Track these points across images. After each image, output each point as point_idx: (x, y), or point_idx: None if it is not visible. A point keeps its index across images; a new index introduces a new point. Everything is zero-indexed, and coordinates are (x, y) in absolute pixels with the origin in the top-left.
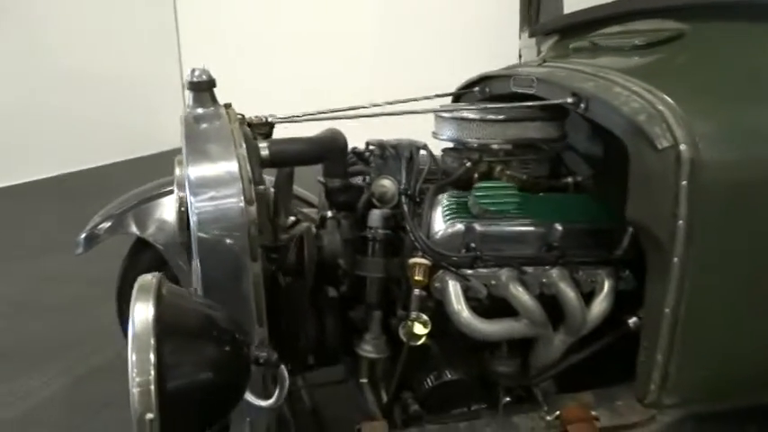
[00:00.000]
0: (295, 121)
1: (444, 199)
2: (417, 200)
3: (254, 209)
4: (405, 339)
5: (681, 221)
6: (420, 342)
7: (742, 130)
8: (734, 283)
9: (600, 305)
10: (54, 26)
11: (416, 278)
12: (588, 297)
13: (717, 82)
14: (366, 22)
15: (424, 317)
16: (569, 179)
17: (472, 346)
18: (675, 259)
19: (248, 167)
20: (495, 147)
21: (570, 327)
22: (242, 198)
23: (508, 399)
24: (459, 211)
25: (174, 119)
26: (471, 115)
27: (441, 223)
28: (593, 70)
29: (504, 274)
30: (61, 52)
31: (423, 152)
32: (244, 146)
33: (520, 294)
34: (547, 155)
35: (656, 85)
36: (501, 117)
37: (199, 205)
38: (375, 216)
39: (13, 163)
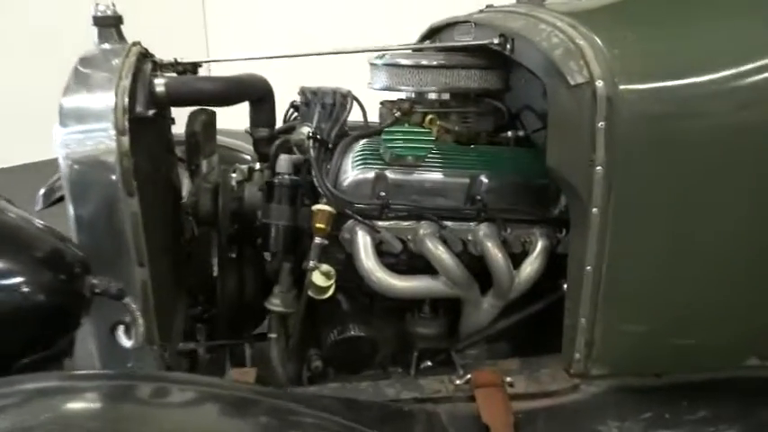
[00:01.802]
0: (218, 61)
1: (358, 146)
2: (330, 146)
3: (126, 140)
4: (307, 291)
5: (599, 167)
6: (326, 296)
7: (668, 64)
8: (660, 238)
9: (530, 266)
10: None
11: (317, 225)
12: (521, 258)
13: (648, 15)
14: None
15: (326, 267)
16: (509, 133)
17: (397, 306)
18: (594, 210)
19: (126, 99)
20: (431, 96)
21: (497, 289)
22: (114, 129)
23: (429, 363)
24: (371, 157)
25: None
26: (403, 61)
27: (350, 170)
28: (527, 10)
29: (422, 228)
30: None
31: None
32: (129, 78)
33: (437, 250)
34: (489, 107)
35: (583, 20)
36: (434, 63)
37: (68, 137)
38: (282, 161)
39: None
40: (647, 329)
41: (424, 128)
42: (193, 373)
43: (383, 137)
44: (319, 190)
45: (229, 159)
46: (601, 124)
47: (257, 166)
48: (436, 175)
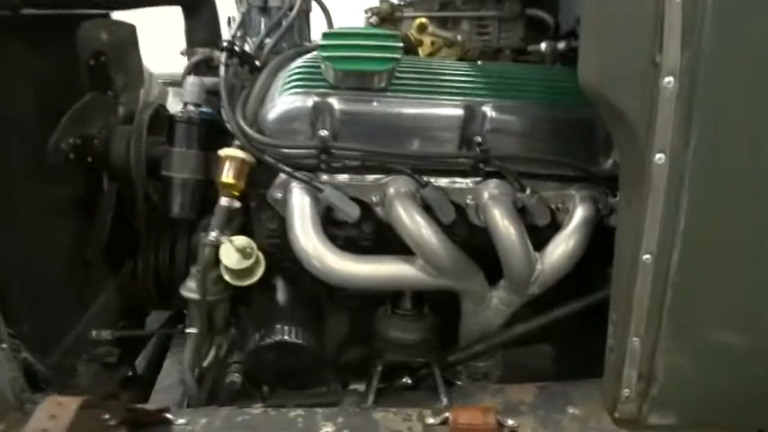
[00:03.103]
0: None
1: (295, 63)
2: (258, 63)
3: None
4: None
5: (668, 78)
6: (249, 281)
7: None
8: None
9: (562, 246)
10: None
11: (223, 179)
12: (550, 233)
13: None
14: None
15: (243, 241)
16: (542, 45)
17: (365, 296)
18: (658, 156)
19: None
20: None
21: (510, 280)
22: None
23: (407, 380)
24: (310, 79)
25: None
26: None
27: (277, 96)
28: None
29: (393, 185)
30: None
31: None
32: None
33: (412, 221)
34: (516, 10)
35: None
36: None
37: None
38: (189, 86)
39: None
40: (743, 357)
41: (403, 35)
42: (129, 362)
43: (321, 42)
44: (228, 126)
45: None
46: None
47: None
48: (412, 105)
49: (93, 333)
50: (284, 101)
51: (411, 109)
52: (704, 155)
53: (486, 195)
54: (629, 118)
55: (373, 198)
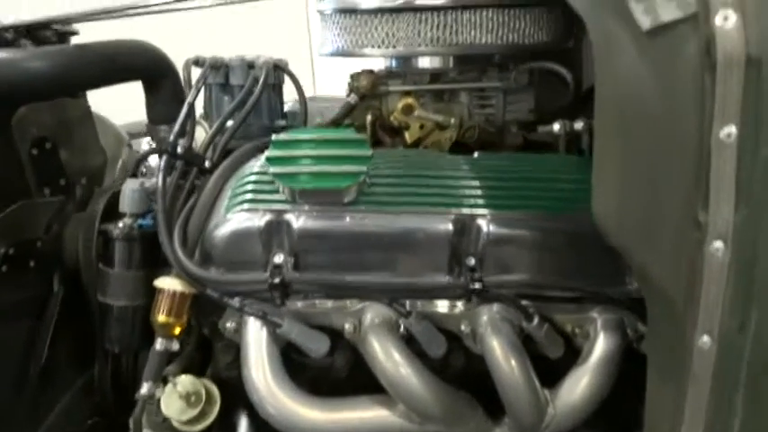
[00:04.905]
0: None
1: (250, 167)
2: (208, 167)
3: None
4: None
5: (717, 245)
6: (200, 426)
7: None
8: None
9: (582, 384)
10: None
11: (159, 318)
12: (566, 365)
13: None
14: None
15: (187, 386)
16: (555, 126)
17: None
18: (704, 341)
19: None
20: (420, 63)
21: (515, 421)
22: None
23: None
24: (265, 190)
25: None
26: (367, 2)
27: (223, 213)
28: None
29: (368, 313)
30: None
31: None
32: None
33: (387, 360)
34: (522, 80)
35: None
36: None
37: None
38: (128, 192)
39: None
40: None
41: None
42: None
43: (269, 153)
44: (165, 253)
45: None
46: (728, 133)
47: None
48: (388, 220)
49: None
50: (233, 219)
51: (387, 224)
52: None
53: (484, 322)
54: (661, 285)
55: (347, 326)
